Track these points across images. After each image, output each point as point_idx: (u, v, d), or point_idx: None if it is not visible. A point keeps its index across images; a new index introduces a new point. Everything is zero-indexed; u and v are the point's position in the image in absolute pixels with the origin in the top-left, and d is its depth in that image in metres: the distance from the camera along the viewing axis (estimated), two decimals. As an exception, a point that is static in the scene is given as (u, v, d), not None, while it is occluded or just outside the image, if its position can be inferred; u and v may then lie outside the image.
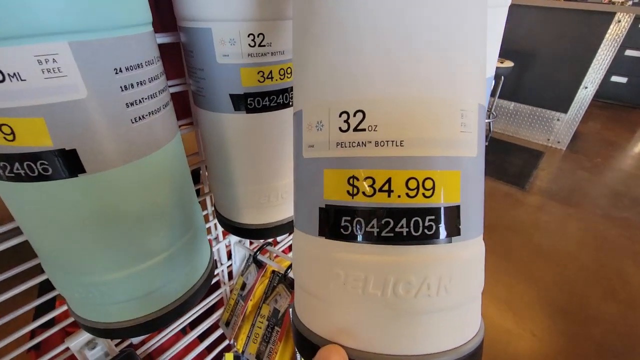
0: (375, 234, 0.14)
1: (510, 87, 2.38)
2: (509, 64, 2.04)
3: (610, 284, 1.33)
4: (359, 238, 0.14)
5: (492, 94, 2.06)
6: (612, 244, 1.54)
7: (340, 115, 0.13)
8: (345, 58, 0.13)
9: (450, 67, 0.13)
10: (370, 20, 0.13)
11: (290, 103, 0.25)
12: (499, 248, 1.50)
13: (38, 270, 0.26)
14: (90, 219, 0.17)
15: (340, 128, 0.14)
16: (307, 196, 0.15)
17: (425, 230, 0.13)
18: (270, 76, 0.23)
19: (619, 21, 1.98)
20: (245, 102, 0.23)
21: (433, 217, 0.13)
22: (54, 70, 0.13)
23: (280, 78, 0.24)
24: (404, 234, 0.13)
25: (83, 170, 0.15)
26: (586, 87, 2.20)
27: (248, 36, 0.22)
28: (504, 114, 2.53)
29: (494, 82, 0.33)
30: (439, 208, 0.13)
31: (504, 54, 2.10)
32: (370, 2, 0.12)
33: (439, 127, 0.13)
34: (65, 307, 0.31)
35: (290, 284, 0.41)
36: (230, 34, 0.21)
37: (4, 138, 0.14)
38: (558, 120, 2.34)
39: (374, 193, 0.13)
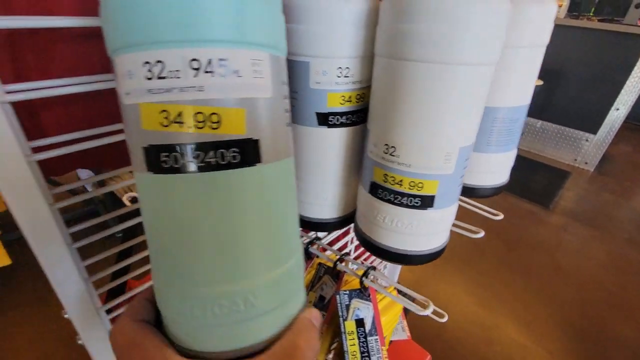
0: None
1: (538, 105, 2.37)
2: (538, 82, 2.05)
3: (632, 308, 1.32)
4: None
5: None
6: (636, 268, 1.51)
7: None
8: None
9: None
10: None
11: (360, 121, 0.31)
12: (520, 265, 1.51)
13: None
14: (259, 211, 0.18)
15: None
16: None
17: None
18: (349, 99, 0.29)
19: (655, 44, 1.95)
20: (327, 119, 0.30)
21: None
22: (259, 72, 0.17)
23: (356, 101, 0.30)
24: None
25: (259, 160, 0.17)
26: (618, 109, 2.17)
27: (337, 69, 0.28)
28: (531, 131, 2.52)
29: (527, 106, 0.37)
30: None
31: (533, 72, 2.09)
32: None
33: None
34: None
35: (335, 275, 0.47)
36: (324, 67, 0.27)
37: (210, 127, 0.16)
38: (587, 140, 2.31)
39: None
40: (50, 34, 0.25)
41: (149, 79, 0.15)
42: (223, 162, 0.16)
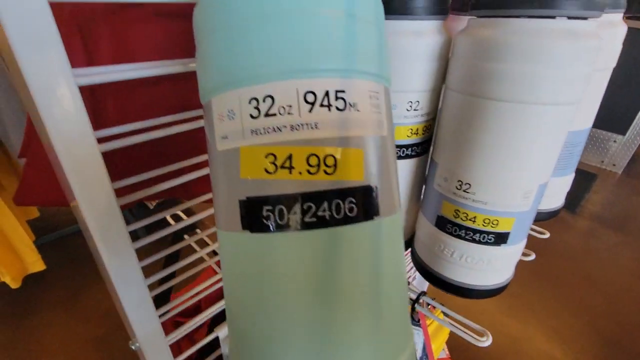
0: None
1: (562, 105, 2.29)
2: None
3: (670, 320, 1.26)
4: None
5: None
6: (673, 278, 1.45)
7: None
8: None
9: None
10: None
11: (424, 152, 0.30)
12: (547, 273, 1.47)
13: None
14: (376, 280, 0.15)
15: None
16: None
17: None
18: (416, 132, 0.29)
19: (691, 42, 1.87)
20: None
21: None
22: (376, 107, 0.14)
23: (422, 133, 0.29)
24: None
25: (377, 212, 0.14)
26: (648, 109, 2.09)
27: (407, 102, 0.27)
28: (554, 132, 2.44)
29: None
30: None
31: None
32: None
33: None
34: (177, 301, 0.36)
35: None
36: (394, 101, 0.27)
37: (324, 171, 0.13)
38: (614, 142, 2.23)
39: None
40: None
41: (255, 117, 0.13)
42: (338, 217, 0.13)
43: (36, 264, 0.95)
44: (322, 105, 0.13)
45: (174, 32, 0.24)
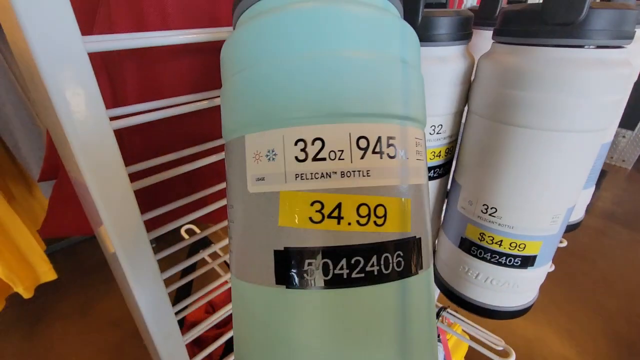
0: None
1: (570, 101, 2.27)
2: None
3: (688, 321, 1.25)
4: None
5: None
6: (690, 278, 1.43)
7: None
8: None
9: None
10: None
11: (445, 173, 0.30)
12: (560, 273, 1.45)
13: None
14: (423, 328, 0.14)
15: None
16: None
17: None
18: (439, 154, 0.28)
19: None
20: (415, 174, 0.29)
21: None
22: (420, 154, 0.14)
23: (445, 155, 0.29)
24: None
25: (421, 266, 0.13)
26: (659, 104, 2.06)
27: (431, 126, 0.27)
28: (562, 129, 2.42)
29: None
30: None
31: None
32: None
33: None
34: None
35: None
36: (417, 125, 0.27)
37: (374, 222, 0.12)
38: (623, 137, 2.20)
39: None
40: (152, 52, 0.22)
41: (301, 160, 0.12)
42: (386, 272, 0.12)
43: (48, 273, 0.96)
44: (374, 152, 0.12)
45: (200, 66, 0.24)
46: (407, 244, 0.13)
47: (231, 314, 0.51)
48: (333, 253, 0.12)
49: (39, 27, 0.14)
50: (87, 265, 1.40)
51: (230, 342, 0.43)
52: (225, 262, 0.51)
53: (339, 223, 0.12)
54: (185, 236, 0.48)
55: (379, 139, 0.12)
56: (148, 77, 0.23)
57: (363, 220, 0.12)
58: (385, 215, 0.12)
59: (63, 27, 0.15)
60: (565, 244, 0.53)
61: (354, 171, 0.12)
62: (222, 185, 0.28)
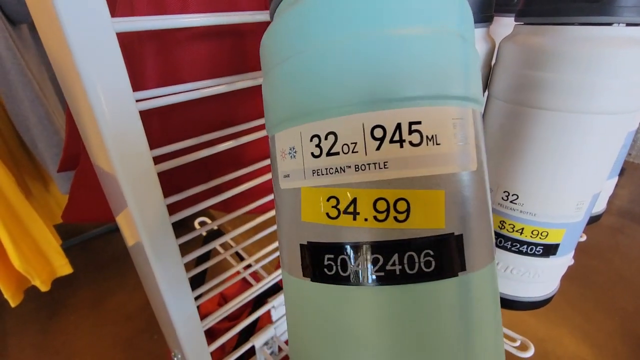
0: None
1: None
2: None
3: None
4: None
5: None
6: None
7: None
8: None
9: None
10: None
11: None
12: (575, 272, 1.42)
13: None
14: (458, 346, 0.12)
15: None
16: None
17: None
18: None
19: None
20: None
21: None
22: (462, 137, 0.12)
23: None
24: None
25: (464, 267, 0.12)
26: (678, 100, 1.99)
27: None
28: (576, 126, 2.36)
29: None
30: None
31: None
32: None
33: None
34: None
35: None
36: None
37: (394, 218, 0.11)
38: (641, 134, 2.14)
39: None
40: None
41: (316, 156, 0.12)
42: (411, 272, 0.11)
43: (64, 267, 0.98)
44: (392, 141, 0.11)
45: (220, 51, 0.24)
46: (440, 243, 0.11)
47: (242, 307, 0.51)
48: (349, 250, 0.12)
49: (71, 7, 0.14)
50: (101, 260, 1.43)
51: (243, 332, 0.44)
52: (237, 253, 0.51)
53: (354, 219, 0.11)
54: (198, 227, 0.49)
55: (398, 126, 0.11)
56: (167, 62, 0.23)
57: (381, 216, 0.11)
58: (407, 210, 0.11)
59: (94, 7, 0.15)
60: (585, 238, 0.52)
61: (368, 164, 0.11)
62: (239, 173, 0.28)
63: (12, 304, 0.89)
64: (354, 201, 0.11)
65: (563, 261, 0.27)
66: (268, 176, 0.29)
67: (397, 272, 0.11)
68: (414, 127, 0.11)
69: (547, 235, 0.25)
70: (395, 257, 0.11)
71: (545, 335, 1.18)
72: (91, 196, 0.27)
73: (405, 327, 0.12)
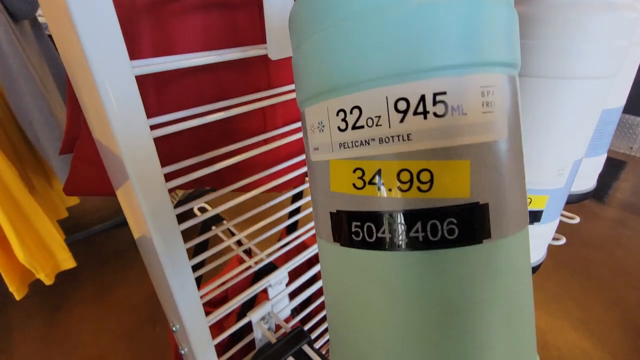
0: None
1: (585, 91, 2.21)
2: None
3: None
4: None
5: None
6: None
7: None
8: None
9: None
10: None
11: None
12: (575, 264, 1.43)
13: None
14: (485, 313, 0.12)
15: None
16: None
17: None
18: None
19: None
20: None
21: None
22: (490, 105, 0.12)
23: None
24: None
25: (489, 235, 0.12)
26: (680, 92, 1.98)
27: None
28: (578, 120, 2.35)
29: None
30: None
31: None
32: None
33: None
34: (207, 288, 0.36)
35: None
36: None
37: (418, 188, 0.11)
38: (643, 127, 2.13)
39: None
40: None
41: (342, 130, 0.12)
42: (434, 239, 0.12)
43: (68, 261, 0.99)
44: (416, 113, 0.11)
45: (214, 22, 0.25)
46: (463, 211, 0.12)
47: (241, 288, 0.51)
48: (375, 218, 0.12)
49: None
50: (104, 255, 1.45)
51: (241, 313, 0.45)
52: (229, 230, 0.53)
53: (379, 190, 0.12)
54: (198, 213, 0.50)
55: (422, 98, 0.11)
56: (162, 32, 0.24)
57: (404, 187, 0.12)
58: (431, 181, 0.11)
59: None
60: (577, 220, 0.52)
61: (392, 136, 0.12)
62: (231, 147, 0.29)
63: (17, 297, 0.91)
64: (378, 172, 0.12)
65: (547, 229, 0.28)
66: (259, 150, 0.30)
67: (420, 239, 0.12)
68: (438, 97, 0.11)
69: (530, 202, 0.26)
70: (419, 224, 0.12)
71: (546, 326, 1.18)
72: (92, 170, 0.28)
73: (426, 291, 0.12)
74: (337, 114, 0.13)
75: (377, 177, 0.12)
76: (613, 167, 2.11)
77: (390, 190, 0.12)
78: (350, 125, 0.12)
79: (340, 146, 0.13)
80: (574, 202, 0.40)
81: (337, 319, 0.15)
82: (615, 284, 1.32)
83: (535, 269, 0.30)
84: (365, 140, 0.12)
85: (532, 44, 0.22)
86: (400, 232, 0.12)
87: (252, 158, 0.32)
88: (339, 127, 0.13)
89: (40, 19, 0.92)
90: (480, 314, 0.12)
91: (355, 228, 0.13)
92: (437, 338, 0.12)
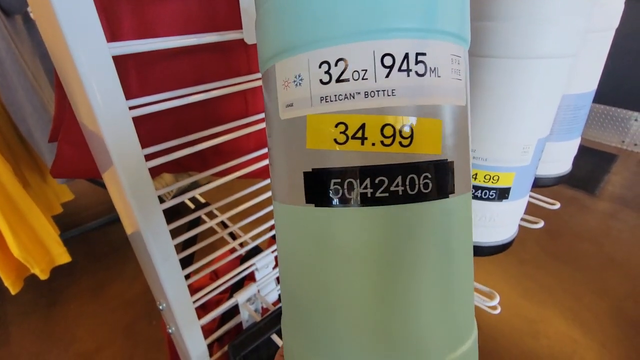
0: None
1: (578, 86, 2.23)
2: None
3: (696, 299, 1.23)
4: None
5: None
6: (699, 257, 1.41)
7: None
8: None
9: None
10: None
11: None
12: (566, 255, 1.45)
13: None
14: (445, 265, 0.13)
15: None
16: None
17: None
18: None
19: None
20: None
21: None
22: (457, 72, 0.13)
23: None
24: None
25: (453, 190, 0.13)
26: (671, 86, 2.01)
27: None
28: (571, 114, 2.38)
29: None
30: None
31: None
32: None
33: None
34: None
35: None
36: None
37: (399, 143, 0.12)
38: (636, 120, 2.15)
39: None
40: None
41: (325, 83, 0.12)
42: (411, 193, 0.12)
43: (62, 256, 1.00)
44: (400, 69, 0.12)
45: (193, 10, 0.26)
46: (437, 167, 0.13)
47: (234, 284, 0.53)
48: (357, 173, 0.12)
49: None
50: (100, 251, 1.46)
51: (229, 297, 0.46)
52: (212, 212, 0.54)
53: (362, 144, 0.12)
54: (191, 205, 0.51)
55: (406, 56, 0.12)
56: (141, 17, 0.25)
57: (387, 141, 0.12)
58: (411, 137, 0.12)
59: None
60: (557, 205, 0.53)
61: (377, 91, 0.12)
62: (213, 130, 0.30)
63: (12, 292, 0.91)
64: (362, 127, 0.12)
65: (517, 206, 0.29)
66: (241, 132, 0.31)
67: (400, 193, 0.12)
68: (420, 57, 0.12)
69: (498, 179, 0.27)
70: (399, 179, 0.12)
71: (537, 316, 1.20)
72: (77, 152, 0.29)
73: (402, 243, 0.13)
74: (320, 66, 0.12)
75: (360, 131, 0.12)
76: (605, 160, 2.13)
77: (373, 144, 0.12)
78: (334, 78, 0.12)
79: (321, 100, 0.12)
80: (549, 185, 0.41)
81: (297, 281, 0.15)
82: (606, 275, 1.34)
83: (507, 246, 0.32)
84: (350, 94, 0.12)
85: (493, 25, 0.23)
86: (382, 186, 0.12)
87: (235, 142, 0.33)
88: (321, 80, 0.12)
89: (32, 15, 0.92)
90: (439, 261, 0.13)
91: (334, 185, 0.12)
92: (394, 289, 0.13)
